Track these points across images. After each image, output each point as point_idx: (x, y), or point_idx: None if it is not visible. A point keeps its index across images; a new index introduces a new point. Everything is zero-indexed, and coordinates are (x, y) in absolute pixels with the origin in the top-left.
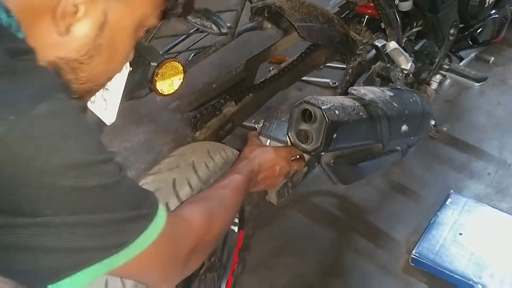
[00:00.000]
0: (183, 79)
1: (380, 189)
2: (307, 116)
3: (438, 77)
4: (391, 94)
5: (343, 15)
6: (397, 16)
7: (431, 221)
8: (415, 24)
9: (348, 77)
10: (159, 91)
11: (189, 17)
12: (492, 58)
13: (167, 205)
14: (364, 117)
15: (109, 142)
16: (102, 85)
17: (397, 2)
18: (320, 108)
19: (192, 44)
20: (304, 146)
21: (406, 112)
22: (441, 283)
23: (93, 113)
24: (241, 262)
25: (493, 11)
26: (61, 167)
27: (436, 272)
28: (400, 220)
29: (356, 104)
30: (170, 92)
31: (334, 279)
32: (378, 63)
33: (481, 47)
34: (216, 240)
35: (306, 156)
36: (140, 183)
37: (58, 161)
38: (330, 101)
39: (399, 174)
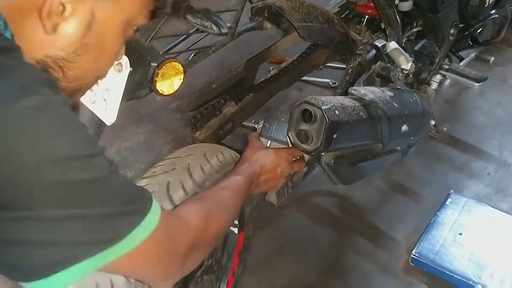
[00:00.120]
0: (183, 79)
1: (380, 189)
2: (307, 116)
3: (438, 77)
4: (391, 94)
5: (343, 15)
6: (397, 16)
7: (431, 221)
8: (415, 24)
9: (348, 77)
10: (159, 91)
11: (189, 17)
12: (492, 58)
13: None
14: (364, 117)
15: (109, 142)
16: (91, 84)
17: (397, 2)
18: (320, 108)
19: (192, 44)
20: (304, 146)
21: (406, 112)
22: (441, 283)
23: (93, 113)
24: (242, 263)
25: (493, 11)
26: (47, 161)
27: (436, 272)
28: (400, 220)
29: (356, 104)
30: (170, 92)
31: (334, 279)
32: (378, 63)
33: (481, 47)
34: (214, 240)
35: (306, 156)
36: None
37: (43, 155)
38: (330, 101)
39: (399, 174)
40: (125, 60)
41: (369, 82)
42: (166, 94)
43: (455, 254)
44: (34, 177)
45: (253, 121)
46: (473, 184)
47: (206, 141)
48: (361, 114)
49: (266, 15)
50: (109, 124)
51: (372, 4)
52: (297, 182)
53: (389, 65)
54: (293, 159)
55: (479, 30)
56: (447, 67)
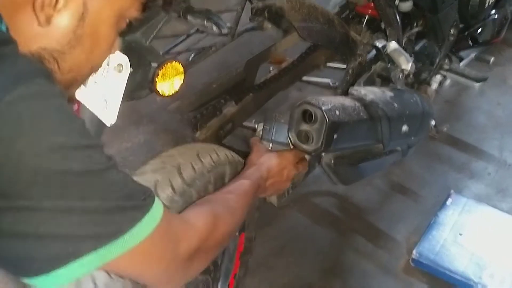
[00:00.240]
0: (183, 79)
1: (380, 189)
2: (307, 116)
3: (438, 77)
4: (392, 94)
5: (343, 16)
6: (397, 17)
7: (431, 221)
8: (415, 25)
9: (348, 77)
10: (160, 91)
11: (189, 18)
12: (492, 58)
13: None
14: (365, 117)
15: (109, 142)
16: (85, 76)
17: (397, 2)
18: (321, 108)
19: (193, 45)
20: (304, 146)
21: (407, 112)
22: (441, 283)
23: (93, 114)
24: (243, 265)
25: (493, 12)
26: (45, 149)
27: (436, 273)
28: (400, 220)
29: (357, 105)
30: (171, 93)
31: (334, 279)
32: (379, 63)
33: (481, 47)
34: (221, 244)
35: (307, 157)
36: None
37: (40, 143)
38: (330, 102)
39: (399, 174)
40: (125, 60)
41: (369, 83)
42: (167, 94)
43: (455, 254)
44: (32, 165)
45: (253, 121)
46: (473, 184)
47: (206, 141)
48: (361, 114)
49: (266, 15)
50: (109, 125)
51: (372, 5)
52: (297, 183)
53: (389, 65)
54: (297, 161)
55: (479, 30)
56: (447, 67)
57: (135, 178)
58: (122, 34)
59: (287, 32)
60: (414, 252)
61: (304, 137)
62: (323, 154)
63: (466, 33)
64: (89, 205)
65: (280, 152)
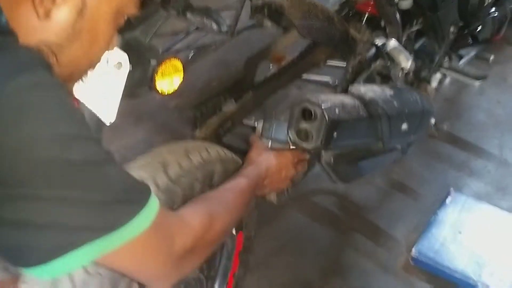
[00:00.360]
0: (183, 77)
1: (380, 188)
2: (307, 114)
3: (438, 75)
4: (391, 92)
5: (343, 13)
6: (397, 15)
7: (431, 220)
8: (415, 23)
9: (348, 75)
10: (159, 89)
11: (189, 15)
12: (492, 57)
13: None
14: (364, 115)
15: (108, 139)
16: (83, 71)
17: (397, 0)
18: (320, 106)
19: (192, 43)
20: (304, 144)
21: (406, 110)
22: (441, 281)
23: (92, 112)
24: (243, 264)
25: (493, 10)
26: (44, 137)
27: (436, 271)
28: (400, 218)
29: (356, 103)
30: (170, 91)
31: (334, 277)
32: (378, 61)
33: (481, 46)
34: (216, 242)
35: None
36: None
37: (41, 132)
38: (330, 100)
39: (399, 172)
40: (124, 58)
41: (369, 81)
42: (166, 92)
43: (455, 252)
44: (32, 154)
45: (253, 120)
46: (473, 183)
47: (206, 139)
48: (361, 112)
49: (266, 13)
50: (108, 124)
51: (372, 3)
52: (297, 181)
53: (389, 63)
54: (297, 161)
55: (479, 29)
56: (447, 65)
57: None
58: (121, 31)
59: (287, 30)
60: (413, 250)
61: (304, 135)
62: (322, 152)
63: (466, 31)
64: (87, 197)
65: (280, 151)
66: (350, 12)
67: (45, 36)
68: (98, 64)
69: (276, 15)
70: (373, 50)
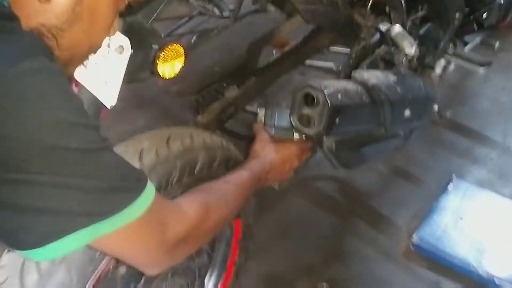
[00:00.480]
0: (184, 62)
1: (382, 174)
2: (309, 100)
3: (442, 61)
4: (395, 78)
5: None
6: (402, 0)
7: (433, 206)
8: (420, 8)
9: (351, 61)
10: (161, 74)
11: (192, 0)
12: (497, 43)
13: None
14: (367, 101)
15: (110, 125)
16: (83, 55)
17: None
18: (323, 92)
19: (195, 27)
20: (306, 130)
21: (410, 96)
22: (441, 268)
23: (93, 95)
24: (243, 251)
25: None
26: (45, 123)
27: (437, 257)
28: (401, 205)
29: (359, 88)
30: (172, 75)
31: (335, 263)
32: (382, 47)
33: (486, 32)
34: (211, 233)
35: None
36: None
37: (41, 117)
38: (332, 85)
39: (401, 159)
40: (126, 41)
41: (372, 66)
42: (168, 77)
43: (456, 239)
44: (32, 137)
45: (255, 106)
46: (476, 170)
47: (208, 125)
48: (363, 98)
49: None
50: (109, 107)
51: None
52: (299, 167)
53: (393, 49)
54: (300, 152)
55: (484, 15)
56: (452, 51)
57: None
58: (123, 15)
59: (291, 15)
60: (414, 236)
61: (306, 121)
62: (324, 138)
63: (472, 17)
64: (84, 183)
65: (285, 143)
66: None
67: (45, 19)
68: (99, 49)
69: None
70: (377, 36)
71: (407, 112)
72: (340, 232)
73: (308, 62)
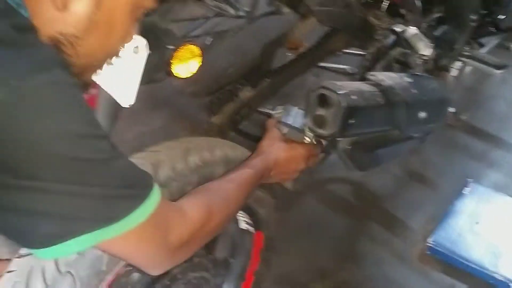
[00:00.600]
0: (200, 63)
1: (396, 177)
2: (323, 101)
3: (458, 64)
4: (410, 80)
5: (362, 0)
6: (418, 1)
7: (448, 210)
8: (435, 10)
9: (366, 62)
10: (176, 74)
11: (207, 1)
12: None
13: None
14: (382, 103)
15: (127, 126)
16: (101, 62)
17: None
18: (337, 93)
19: (211, 29)
20: (320, 131)
21: (425, 98)
22: (456, 272)
23: (111, 95)
24: (264, 262)
25: None
26: (57, 135)
27: (452, 261)
28: (416, 208)
29: (374, 90)
30: (187, 76)
31: (348, 265)
32: (397, 49)
33: (503, 34)
34: (213, 234)
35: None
36: None
37: (53, 128)
38: (347, 87)
39: (416, 162)
40: (143, 42)
41: (387, 68)
42: (183, 77)
43: (471, 243)
44: (44, 149)
45: (270, 107)
46: (492, 173)
47: (222, 126)
48: (378, 99)
49: None
50: (127, 106)
51: None
52: (313, 167)
53: (408, 51)
54: (308, 155)
55: (501, 17)
56: (468, 53)
57: None
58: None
59: (305, 17)
60: (430, 240)
61: (320, 122)
62: (339, 139)
63: (488, 19)
64: (92, 191)
65: (294, 144)
66: None
67: (62, 27)
68: (116, 56)
69: (294, 1)
70: (392, 37)
71: (422, 114)
72: (354, 235)
73: (322, 64)
